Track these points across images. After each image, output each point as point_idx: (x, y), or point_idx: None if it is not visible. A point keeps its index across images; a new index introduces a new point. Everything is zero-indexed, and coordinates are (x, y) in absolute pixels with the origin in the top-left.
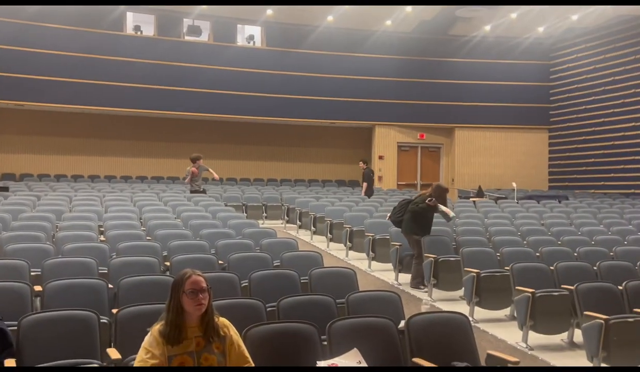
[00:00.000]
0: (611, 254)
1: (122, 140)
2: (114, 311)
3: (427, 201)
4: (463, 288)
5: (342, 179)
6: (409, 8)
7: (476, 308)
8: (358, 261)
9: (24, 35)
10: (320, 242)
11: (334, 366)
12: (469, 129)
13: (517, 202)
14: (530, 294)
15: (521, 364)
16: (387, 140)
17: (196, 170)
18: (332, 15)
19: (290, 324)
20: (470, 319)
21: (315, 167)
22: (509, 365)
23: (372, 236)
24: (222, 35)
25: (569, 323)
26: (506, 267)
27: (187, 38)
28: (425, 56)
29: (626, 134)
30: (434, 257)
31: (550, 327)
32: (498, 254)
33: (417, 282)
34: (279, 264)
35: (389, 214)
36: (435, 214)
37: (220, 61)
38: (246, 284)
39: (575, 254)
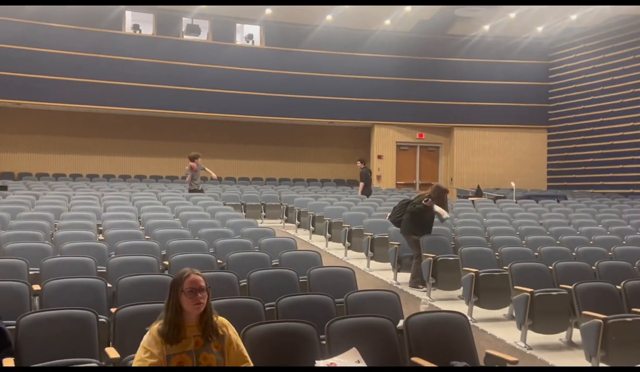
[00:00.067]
0: (610, 253)
1: (120, 139)
2: (113, 310)
3: (423, 202)
4: (462, 287)
5: (340, 179)
6: (408, 8)
7: (475, 307)
8: (357, 260)
9: (22, 34)
10: (319, 242)
11: (332, 365)
12: (468, 129)
13: (516, 202)
14: (528, 294)
15: (520, 364)
16: (386, 140)
17: (195, 166)
18: (331, 14)
19: (289, 324)
20: (469, 318)
21: (314, 167)
22: (508, 364)
23: (370, 235)
24: (221, 35)
25: (568, 323)
26: (505, 267)
27: (186, 37)
28: (424, 56)
29: (625, 133)
30: (432, 257)
31: (549, 327)
32: (497, 253)
33: (416, 281)
34: (277, 263)
35: (389, 214)
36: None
37: (219, 60)
38: (245, 283)
39: (574, 253)
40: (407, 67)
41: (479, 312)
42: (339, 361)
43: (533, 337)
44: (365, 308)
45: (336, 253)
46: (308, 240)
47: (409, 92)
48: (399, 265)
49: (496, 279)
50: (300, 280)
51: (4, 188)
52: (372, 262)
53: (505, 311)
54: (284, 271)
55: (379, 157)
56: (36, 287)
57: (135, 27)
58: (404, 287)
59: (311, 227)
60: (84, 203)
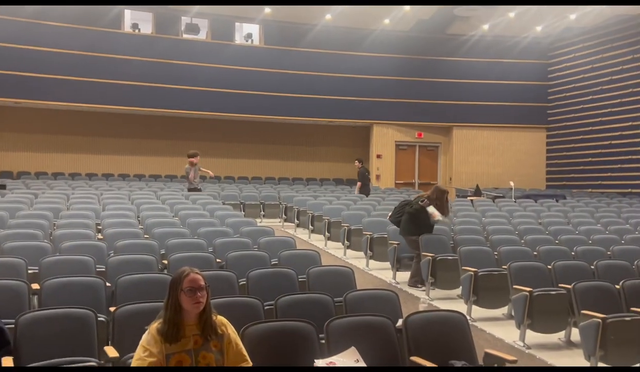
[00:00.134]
0: (608, 253)
1: (119, 138)
2: (112, 309)
3: (419, 202)
4: (461, 287)
5: (340, 178)
6: (407, 7)
7: (474, 307)
8: (356, 259)
9: (21, 33)
10: (318, 241)
11: (331, 364)
12: (467, 128)
13: (515, 201)
14: (527, 293)
15: (518, 363)
16: (385, 139)
17: (196, 161)
18: (330, 14)
19: (288, 323)
20: (468, 317)
21: (313, 166)
22: (507, 364)
23: (370, 234)
24: (220, 34)
25: (567, 322)
26: (504, 266)
27: (185, 36)
28: (423, 55)
29: (623, 133)
30: (431, 256)
31: (548, 326)
32: (495, 253)
33: (415, 280)
34: (276, 262)
35: (389, 214)
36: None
37: (218, 59)
38: (244, 282)
39: (573, 253)
40: (406, 67)
41: (477, 311)
42: (338, 360)
43: (532, 336)
44: (364, 307)
45: (335, 252)
46: (307, 239)
47: (408, 92)
48: (398, 264)
49: (495, 279)
50: (299, 279)
51: (3, 187)
52: (371, 262)
53: (504, 310)
54: (283, 270)
55: (378, 156)
56: (35, 286)
57: (134, 26)
58: (403, 286)
59: (310, 226)
60: (83, 202)
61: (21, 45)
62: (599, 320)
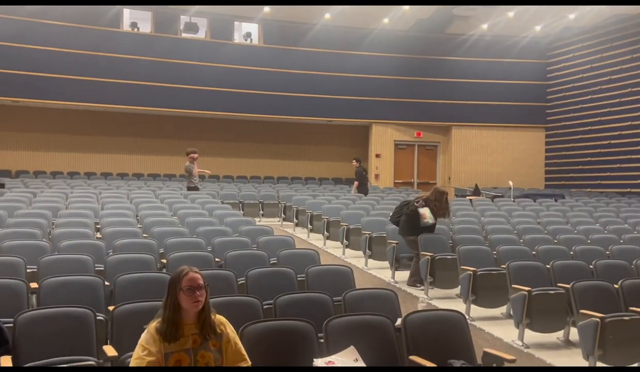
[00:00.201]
0: (607, 252)
1: (118, 137)
2: (111, 308)
3: (414, 204)
4: (459, 286)
5: (339, 177)
6: (406, 7)
7: (472, 306)
8: (355, 258)
9: (20, 32)
10: (316, 240)
11: (330, 363)
12: (466, 128)
13: (514, 201)
14: (526, 293)
15: (517, 362)
16: (384, 139)
17: (196, 156)
18: (329, 13)
19: (287, 322)
20: (467, 317)
21: (312, 165)
22: (505, 363)
23: (368, 233)
24: (219, 33)
25: (565, 321)
26: (502, 266)
27: (184, 35)
28: (423, 55)
29: (622, 133)
30: (430, 255)
31: (546, 326)
32: (494, 252)
33: (414, 280)
34: (275, 261)
35: (391, 214)
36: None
37: (217, 59)
38: (243, 281)
39: (572, 252)
40: (406, 66)
41: (476, 310)
42: (337, 359)
43: (530, 335)
44: (363, 307)
45: (334, 252)
46: (306, 238)
47: (407, 91)
48: (397, 263)
49: (494, 278)
50: (298, 278)
51: (2, 186)
52: (370, 261)
53: (503, 309)
54: (282, 270)
55: (377, 156)
56: (34, 285)
57: (133, 25)
58: (401, 285)
59: (309, 225)
60: (81, 201)
61: (20, 44)
62: (598, 319)
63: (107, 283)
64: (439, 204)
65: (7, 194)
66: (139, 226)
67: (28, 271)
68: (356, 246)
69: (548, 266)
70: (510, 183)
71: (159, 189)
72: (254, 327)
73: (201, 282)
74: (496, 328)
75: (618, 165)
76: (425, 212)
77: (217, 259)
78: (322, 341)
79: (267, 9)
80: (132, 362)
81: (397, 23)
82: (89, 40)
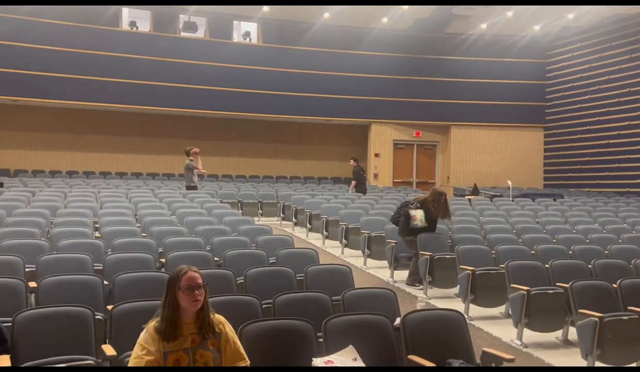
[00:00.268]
0: (606, 252)
1: (117, 136)
2: (109, 307)
3: (409, 205)
4: (458, 286)
5: (338, 177)
6: (405, 6)
7: (471, 306)
8: (353, 258)
9: (19, 30)
10: (315, 240)
11: (329, 363)
12: (465, 127)
13: (513, 200)
14: (525, 292)
15: (516, 362)
16: (383, 138)
17: (198, 150)
18: (328, 12)
19: (286, 321)
20: (466, 316)
21: (311, 165)
22: (504, 362)
23: (367, 233)
24: (218, 32)
25: (564, 321)
26: (501, 265)
27: (183, 34)
28: (422, 54)
29: (621, 132)
30: (429, 255)
31: (545, 325)
32: (493, 251)
33: (413, 279)
34: (274, 261)
35: (392, 214)
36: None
37: (216, 58)
38: (242, 280)
39: (570, 252)
40: (405, 66)
41: (475, 310)
42: (336, 358)
43: (529, 335)
44: (362, 306)
45: (333, 251)
46: (305, 238)
47: (406, 91)
48: (396, 263)
49: (493, 277)
50: (297, 278)
51: (0, 185)
52: (369, 260)
53: (502, 309)
54: (280, 269)
55: (376, 155)
56: (32, 284)
57: (132, 24)
58: (400, 285)
59: (308, 225)
60: (80, 200)
61: (19, 43)
62: (596, 319)
63: (105, 282)
64: (437, 204)
65: (6, 193)
66: (137, 225)
67: (27, 270)
68: (355, 246)
69: (547, 266)
70: (509, 183)
71: (157, 188)
72: (252, 327)
73: (200, 281)
74: (495, 327)
75: (617, 165)
76: (416, 214)
77: (216, 259)
78: (321, 340)
79: (266, 8)
80: (131, 362)
81: (396, 22)
82: (87, 40)
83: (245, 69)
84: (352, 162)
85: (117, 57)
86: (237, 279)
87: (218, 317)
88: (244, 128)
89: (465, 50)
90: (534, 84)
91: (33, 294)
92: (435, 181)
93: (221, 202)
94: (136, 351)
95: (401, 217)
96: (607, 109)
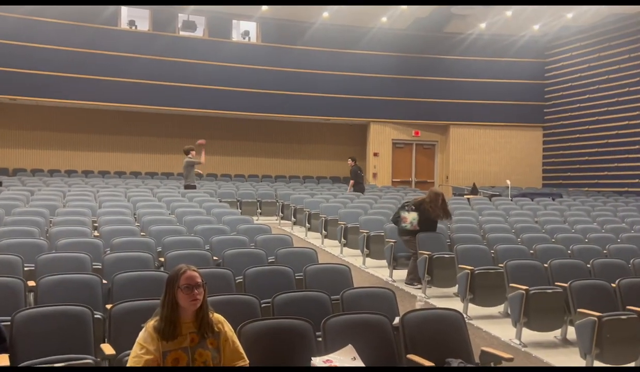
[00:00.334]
0: (605, 251)
1: (116, 135)
2: (108, 306)
3: (405, 207)
4: (457, 285)
5: (337, 176)
6: (404, 5)
7: (470, 305)
8: (352, 257)
9: (17, 29)
10: (314, 239)
11: (328, 362)
12: (464, 127)
13: (511, 200)
14: (524, 291)
15: (514, 361)
16: (382, 137)
17: (204, 141)
18: (327, 11)
19: (285, 320)
20: (464, 315)
21: (310, 164)
22: (503, 362)
23: (366, 232)
24: (217, 31)
25: (563, 320)
26: (500, 265)
27: (182, 33)
28: (421, 53)
29: (620, 132)
30: (428, 254)
31: (544, 324)
32: (492, 251)
33: (412, 278)
34: (273, 260)
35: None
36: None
37: (215, 57)
38: (241, 280)
39: (569, 251)
40: (404, 65)
41: (474, 309)
42: (335, 358)
43: (528, 334)
44: (361, 305)
45: (332, 250)
46: (304, 237)
47: (405, 90)
48: (395, 262)
49: (491, 277)
50: (296, 277)
51: None
52: (368, 260)
53: (501, 308)
54: (279, 268)
55: (375, 154)
56: (31, 283)
57: (131, 22)
58: (399, 284)
59: (307, 224)
60: (79, 199)
61: (17, 42)
62: (595, 318)
63: (104, 281)
64: (434, 205)
65: (5, 192)
66: (136, 224)
67: (25, 269)
68: (354, 245)
69: (546, 265)
70: (508, 182)
71: (156, 188)
72: (251, 326)
73: (199, 280)
74: (494, 327)
75: (615, 164)
76: (406, 216)
77: (215, 258)
78: (320, 339)
79: (265, 7)
80: (130, 361)
81: (395, 22)
82: (86, 38)
83: (244, 68)
84: (349, 161)
85: (115, 56)
86: (236, 278)
87: (217, 317)
88: (243, 127)
89: (464, 49)
90: (533, 83)
91: (32, 293)
92: (434, 181)
93: (220, 201)
94: (135, 350)
95: (399, 218)
96: (606, 109)
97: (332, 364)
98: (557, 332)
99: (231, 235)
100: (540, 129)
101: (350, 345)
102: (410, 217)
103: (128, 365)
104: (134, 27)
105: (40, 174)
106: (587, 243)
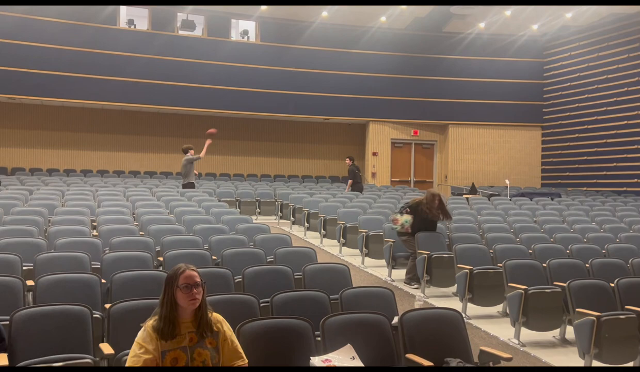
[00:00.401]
0: (603, 251)
1: (115, 134)
2: (107, 306)
3: (401, 209)
4: (456, 284)
5: (335, 175)
6: (403, 5)
7: (469, 304)
8: (351, 257)
9: (16, 29)
10: (313, 238)
11: (327, 362)
12: (463, 126)
13: (510, 200)
14: (522, 291)
15: (513, 361)
16: (381, 137)
17: (214, 132)
18: (326, 11)
19: (284, 320)
20: (463, 315)
21: (309, 163)
22: (502, 361)
23: (365, 232)
24: (216, 30)
25: (561, 320)
26: (499, 264)
27: (181, 33)
28: (420, 53)
29: (619, 131)
30: (427, 254)
31: (543, 324)
32: (491, 251)
33: (411, 278)
34: (272, 259)
35: None
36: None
37: (215, 56)
38: (240, 279)
39: (568, 251)
40: (403, 65)
41: (473, 309)
42: (334, 357)
43: (527, 334)
44: (360, 305)
45: (331, 250)
46: (303, 237)
47: (404, 90)
48: (394, 262)
49: (490, 276)
50: (295, 276)
51: None
52: (367, 259)
53: (499, 308)
54: (278, 268)
55: (374, 154)
56: (30, 282)
57: (130, 22)
58: (398, 284)
59: (306, 223)
60: (78, 199)
61: (16, 41)
62: (594, 318)
63: (103, 281)
64: (430, 206)
65: (3, 191)
66: (135, 223)
67: (24, 268)
68: (353, 244)
69: (544, 265)
70: (507, 182)
71: (155, 187)
72: (250, 326)
73: (198, 279)
74: (492, 326)
75: (614, 164)
76: (398, 218)
77: (213, 257)
78: (318, 339)
79: (264, 7)
80: (129, 361)
81: (395, 21)
82: (85, 38)
83: (243, 67)
84: (347, 160)
85: (114, 55)
86: (235, 277)
87: (216, 316)
88: (242, 127)
89: (464, 49)
90: (532, 83)
91: (30, 293)
92: (433, 180)
93: (219, 200)
94: (134, 349)
95: None
96: (604, 109)
97: (331, 364)
98: (556, 332)
99: (230, 234)
100: (539, 128)
101: (349, 345)
102: (402, 220)
103: (127, 365)
104: (132, 27)
105: (39, 173)
106: (585, 243)
